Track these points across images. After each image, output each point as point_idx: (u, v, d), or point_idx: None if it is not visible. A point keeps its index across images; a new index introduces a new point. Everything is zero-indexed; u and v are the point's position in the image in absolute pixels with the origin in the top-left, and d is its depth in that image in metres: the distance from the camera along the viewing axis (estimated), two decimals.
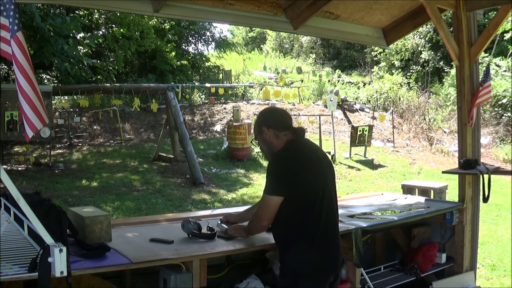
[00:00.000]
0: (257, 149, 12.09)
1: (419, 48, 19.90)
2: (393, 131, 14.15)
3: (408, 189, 4.44)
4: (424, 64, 19.51)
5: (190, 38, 21.52)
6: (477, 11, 3.82)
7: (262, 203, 2.39)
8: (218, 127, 14.71)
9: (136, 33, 14.80)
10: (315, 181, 2.34)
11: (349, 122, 15.05)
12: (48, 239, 1.42)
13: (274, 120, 2.50)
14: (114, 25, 14.07)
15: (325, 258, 2.34)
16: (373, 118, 15.10)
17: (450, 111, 15.16)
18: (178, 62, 19.47)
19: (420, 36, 19.80)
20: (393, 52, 20.26)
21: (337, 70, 23.10)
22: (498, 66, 14.84)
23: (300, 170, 2.30)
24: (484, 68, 3.96)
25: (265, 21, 3.84)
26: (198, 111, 15.85)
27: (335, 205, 2.44)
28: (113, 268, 2.21)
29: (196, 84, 17.85)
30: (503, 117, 13.84)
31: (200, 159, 10.99)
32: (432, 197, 4.21)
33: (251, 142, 11.44)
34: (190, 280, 2.40)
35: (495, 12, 3.75)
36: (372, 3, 3.98)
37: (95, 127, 14.15)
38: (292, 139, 2.44)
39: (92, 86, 11.40)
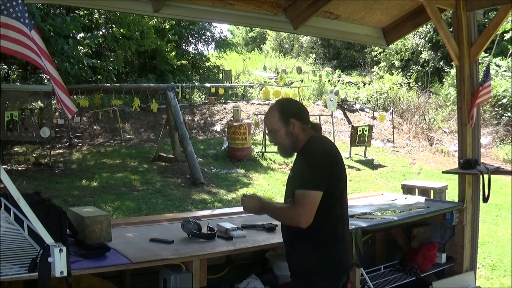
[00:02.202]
0: (257, 149, 12.10)
1: (419, 48, 19.90)
2: (393, 131, 14.16)
3: (408, 189, 4.44)
4: (424, 64, 19.51)
5: (190, 38, 21.53)
6: (477, 11, 3.82)
7: (301, 199, 2.13)
8: (218, 127, 14.71)
9: (136, 33, 14.81)
10: (342, 178, 2.28)
11: (349, 122, 15.05)
12: (48, 239, 1.42)
13: (302, 113, 2.36)
14: (114, 25, 14.07)
15: (342, 256, 2.28)
16: (373, 118, 15.10)
17: (450, 111, 15.16)
18: (178, 62, 19.47)
19: (420, 36, 19.80)
20: (393, 52, 20.26)
21: (337, 70, 23.10)
22: (498, 66, 14.84)
23: (333, 166, 2.21)
24: (484, 68, 3.96)
25: (265, 21, 3.84)
26: (198, 111, 15.85)
27: (347, 204, 2.39)
28: (113, 268, 2.21)
29: (196, 84, 17.85)
30: (503, 117, 13.84)
31: (200, 159, 10.99)
32: (432, 197, 4.21)
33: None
34: (190, 280, 2.40)
35: (495, 12, 3.75)
36: (372, 3, 3.98)
37: (95, 127, 14.16)
38: (314, 135, 2.34)
39: (92, 86, 11.41)
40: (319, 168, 2.17)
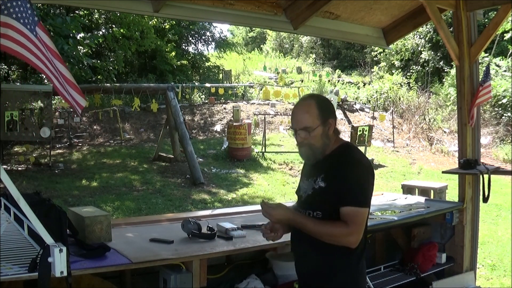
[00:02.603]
0: (257, 149, 12.09)
1: (419, 48, 19.90)
2: (393, 131, 14.15)
3: (408, 189, 4.44)
4: (424, 64, 19.51)
5: (190, 38, 21.53)
6: (477, 11, 3.82)
7: (355, 217, 1.96)
8: (218, 127, 14.71)
9: (136, 33, 14.81)
10: None
11: (349, 122, 15.04)
12: (48, 239, 1.42)
13: (336, 114, 2.13)
14: (114, 25, 14.07)
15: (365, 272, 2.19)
16: (373, 118, 15.10)
17: (450, 111, 15.16)
18: (178, 62, 19.47)
19: (420, 36, 19.80)
20: (393, 52, 20.25)
21: (337, 70, 23.09)
22: (498, 66, 14.84)
23: (373, 181, 2.10)
24: (484, 68, 3.96)
25: (265, 21, 3.84)
26: (198, 111, 15.85)
27: None
28: (113, 268, 2.21)
29: (196, 84, 17.85)
30: (503, 117, 13.84)
31: (200, 159, 10.99)
32: (432, 197, 4.21)
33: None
34: (190, 280, 2.40)
35: (495, 12, 3.75)
36: (372, 3, 3.98)
37: (95, 127, 14.16)
38: (346, 142, 2.17)
39: (92, 86, 11.41)
40: (369, 184, 2.03)
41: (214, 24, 21.03)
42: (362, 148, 12.02)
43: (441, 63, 18.84)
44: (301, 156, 2.17)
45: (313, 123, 2.03)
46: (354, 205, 1.95)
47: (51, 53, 1.96)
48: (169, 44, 18.51)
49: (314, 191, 2.07)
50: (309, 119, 2.04)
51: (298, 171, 9.88)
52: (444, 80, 17.51)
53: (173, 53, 18.82)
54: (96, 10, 13.66)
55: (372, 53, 22.53)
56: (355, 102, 16.89)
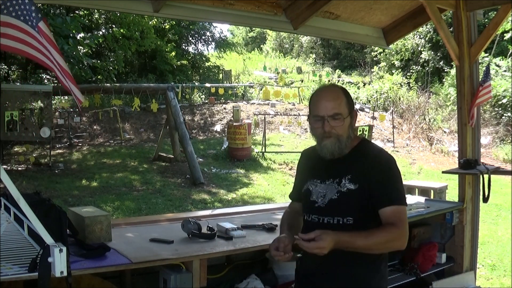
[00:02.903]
0: (257, 149, 12.09)
1: (419, 48, 19.90)
2: (393, 131, 14.15)
3: (408, 189, 4.43)
4: (424, 64, 19.52)
5: (190, 38, 21.54)
6: (477, 11, 3.82)
7: (402, 217, 1.80)
8: (218, 127, 14.71)
9: (136, 33, 14.82)
10: None
11: None
12: (48, 239, 1.42)
13: None
14: (114, 25, 14.09)
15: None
16: (373, 118, 15.10)
17: (450, 111, 15.16)
18: (178, 62, 19.48)
19: (420, 36, 19.80)
20: (393, 52, 20.26)
21: (337, 70, 23.10)
22: (498, 66, 14.84)
23: None
24: (484, 68, 3.96)
25: (265, 21, 3.84)
26: (198, 111, 15.85)
27: None
28: (113, 268, 2.21)
29: (196, 84, 17.86)
30: (503, 117, 13.84)
31: (200, 159, 10.99)
32: (432, 197, 4.21)
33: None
34: (190, 280, 2.40)
35: (495, 12, 3.75)
36: (372, 3, 3.98)
37: (95, 127, 14.16)
38: (365, 137, 2.06)
39: (92, 86, 11.41)
40: (402, 180, 1.89)
41: (214, 24, 21.07)
42: None
43: (441, 63, 18.84)
44: (323, 150, 1.87)
45: (344, 110, 1.83)
46: (396, 203, 1.79)
47: (52, 47, 1.95)
48: (169, 44, 18.52)
49: (342, 194, 1.84)
50: (340, 105, 1.83)
51: None
52: (444, 80, 17.52)
53: (173, 53, 18.83)
54: (96, 10, 13.67)
55: (372, 53, 22.54)
56: (355, 102, 16.85)
